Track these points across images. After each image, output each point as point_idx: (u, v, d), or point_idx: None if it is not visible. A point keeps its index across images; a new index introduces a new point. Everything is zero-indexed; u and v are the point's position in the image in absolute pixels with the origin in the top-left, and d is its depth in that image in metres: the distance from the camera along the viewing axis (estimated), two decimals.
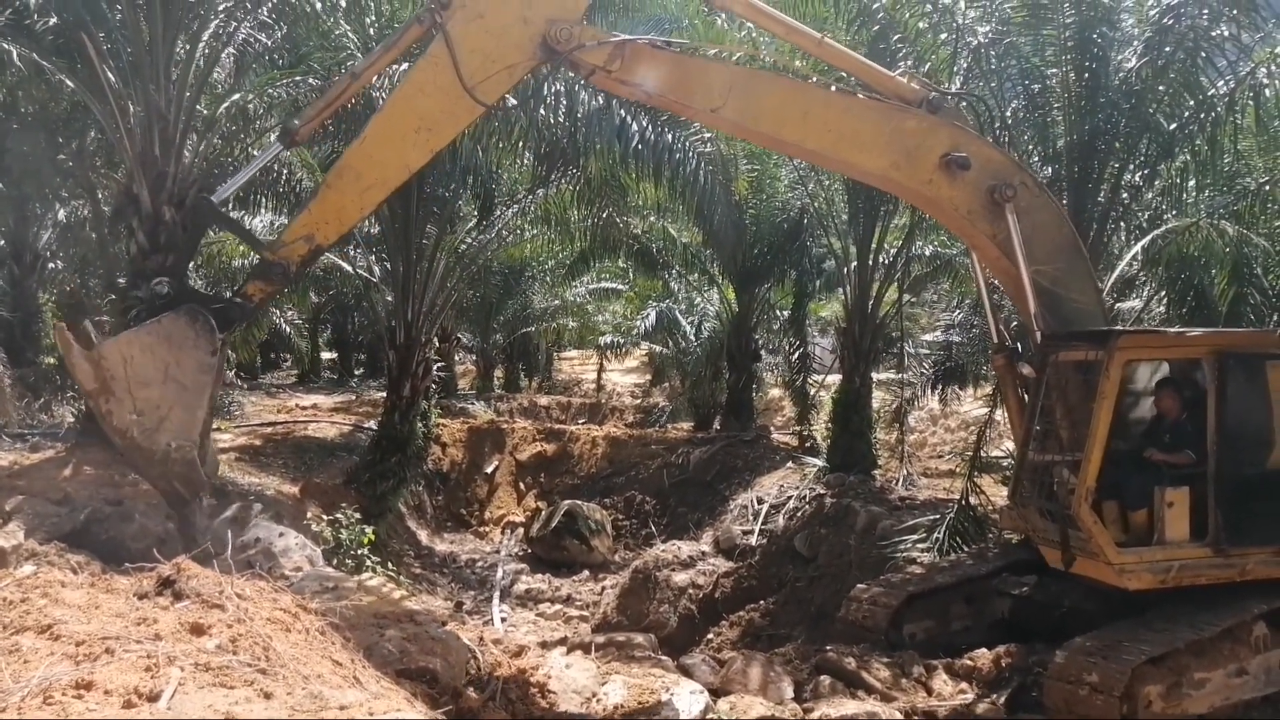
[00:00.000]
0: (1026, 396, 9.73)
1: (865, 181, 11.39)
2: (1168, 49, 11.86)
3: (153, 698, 4.02)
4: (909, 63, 12.89)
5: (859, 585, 10.76)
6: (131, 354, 7.45)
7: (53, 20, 12.51)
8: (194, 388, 7.61)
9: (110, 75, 11.96)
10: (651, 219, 22.99)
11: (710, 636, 14.04)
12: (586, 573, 18.04)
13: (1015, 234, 8.80)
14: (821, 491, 16.84)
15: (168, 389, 7.50)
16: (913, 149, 8.72)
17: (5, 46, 11.61)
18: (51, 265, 19.50)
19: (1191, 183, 13.96)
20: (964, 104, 10.00)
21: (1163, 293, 15.22)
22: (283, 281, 8.28)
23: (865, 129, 8.71)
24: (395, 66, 10.44)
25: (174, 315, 7.61)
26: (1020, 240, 8.81)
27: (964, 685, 8.91)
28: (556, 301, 33.64)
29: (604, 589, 16.74)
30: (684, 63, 8.59)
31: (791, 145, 9.21)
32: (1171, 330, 10.18)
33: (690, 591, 15.16)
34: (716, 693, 8.65)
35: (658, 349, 32.95)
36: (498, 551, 19.72)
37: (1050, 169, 13.15)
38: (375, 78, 9.84)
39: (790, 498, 17.36)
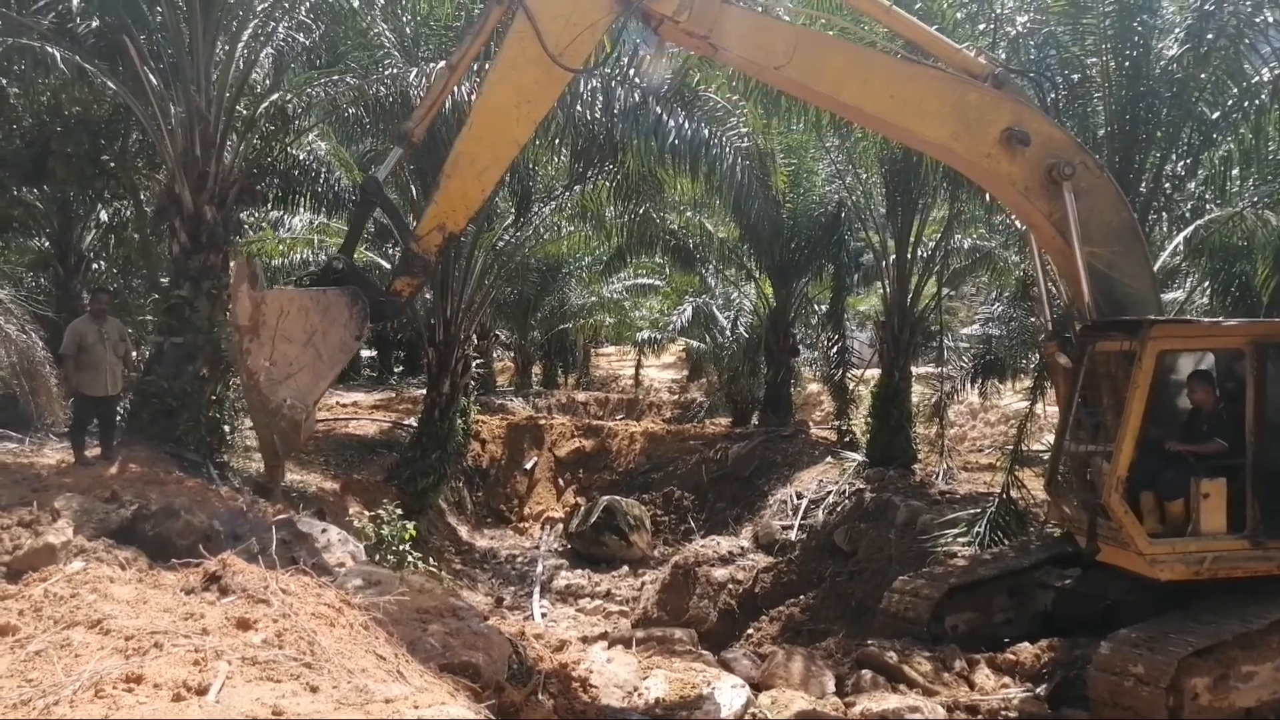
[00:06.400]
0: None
1: (925, 151, 11.34)
2: (1210, 36, 11.68)
3: (201, 691, 4.08)
4: None
5: (900, 577, 10.72)
6: (289, 309, 7.80)
7: (95, 23, 12.69)
8: (328, 361, 7.98)
9: (151, 77, 12.13)
10: (688, 214, 22.92)
11: (750, 632, 14.01)
12: (626, 568, 18.08)
13: (1072, 213, 8.75)
14: (861, 486, 16.80)
15: (306, 352, 7.83)
16: (974, 121, 8.70)
17: (49, 50, 11.77)
18: (95, 266, 19.66)
19: (1235, 172, 13.78)
20: (1025, 82, 9.95)
21: (1206, 283, 15.04)
22: (424, 274, 8.58)
23: (928, 97, 8.70)
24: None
25: (339, 291, 8.01)
26: (1076, 220, 8.76)
27: (1007, 679, 8.86)
28: (593, 298, 33.67)
29: (643, 584, 16.76)
30: (753, 18, 8.58)
31: (852, 109, 9.14)
32: (1206, 320, 10.06)
33: (730, 587, 15.15)
34: (758, 687, 8.65)
35: (695, 344, 32.92)
36: (537, 547, 19.80)
37: None
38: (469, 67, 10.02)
39: (829, 492, 17.32)
